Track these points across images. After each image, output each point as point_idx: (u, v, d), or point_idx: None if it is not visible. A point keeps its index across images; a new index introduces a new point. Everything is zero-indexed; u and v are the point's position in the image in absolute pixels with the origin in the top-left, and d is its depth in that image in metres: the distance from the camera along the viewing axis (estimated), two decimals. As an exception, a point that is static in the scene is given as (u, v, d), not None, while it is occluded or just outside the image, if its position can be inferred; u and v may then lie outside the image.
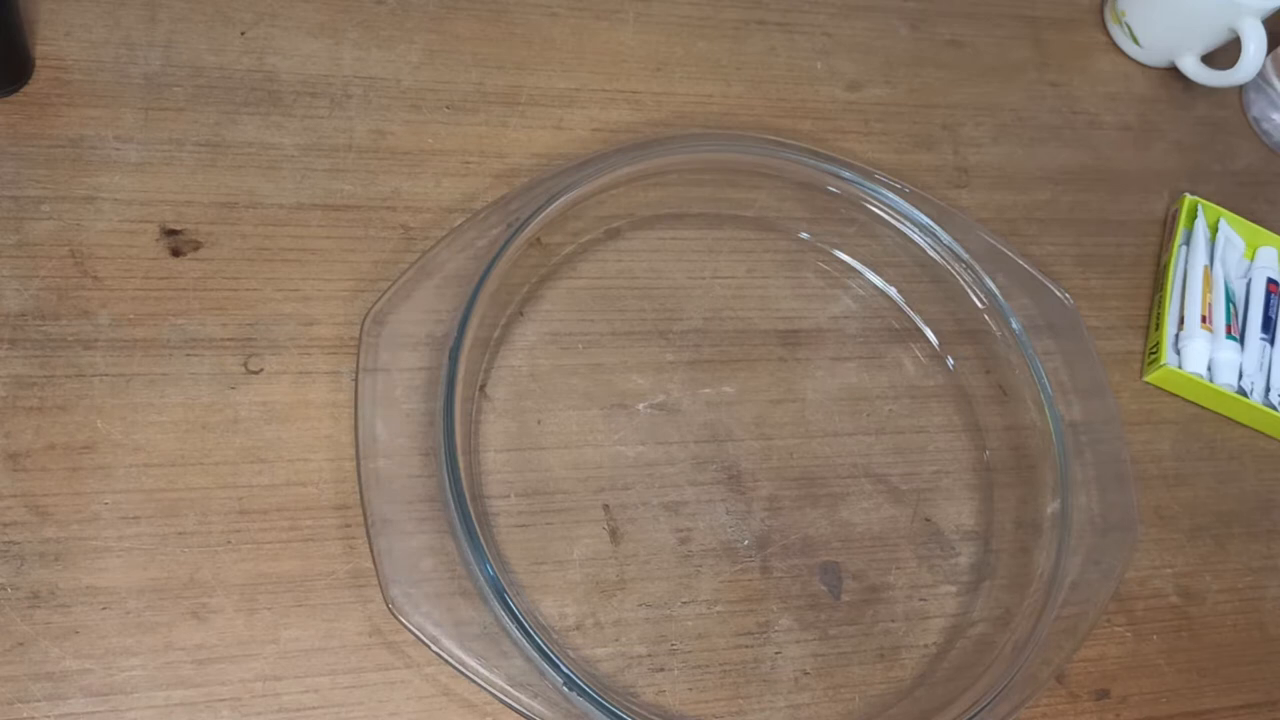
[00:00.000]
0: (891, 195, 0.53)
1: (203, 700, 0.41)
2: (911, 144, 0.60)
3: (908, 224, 0.53)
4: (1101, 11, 0.68)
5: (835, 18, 0.63)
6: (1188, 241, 0.60)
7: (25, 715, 0.39)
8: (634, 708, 0.43)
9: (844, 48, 0.62)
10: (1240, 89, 0.68)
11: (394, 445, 0.45)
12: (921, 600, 0.49)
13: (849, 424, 0.52)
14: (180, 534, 0.43)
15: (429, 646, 0.41)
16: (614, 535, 0.47)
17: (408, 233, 0.51)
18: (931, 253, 0.54)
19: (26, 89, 0.49)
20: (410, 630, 0.41)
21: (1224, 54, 0.64)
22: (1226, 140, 0.67)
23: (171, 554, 0.42)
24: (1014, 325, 0.52)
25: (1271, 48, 0.67)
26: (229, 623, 0.42)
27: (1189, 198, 0.61)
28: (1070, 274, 0.59)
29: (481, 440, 0.47)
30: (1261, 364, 0.57)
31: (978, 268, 0.53)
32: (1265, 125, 0.67)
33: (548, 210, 0.48)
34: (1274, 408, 0.56)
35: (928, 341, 0.54)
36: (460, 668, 0.41)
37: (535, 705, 0.41)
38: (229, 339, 0.47)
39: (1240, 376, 0.57)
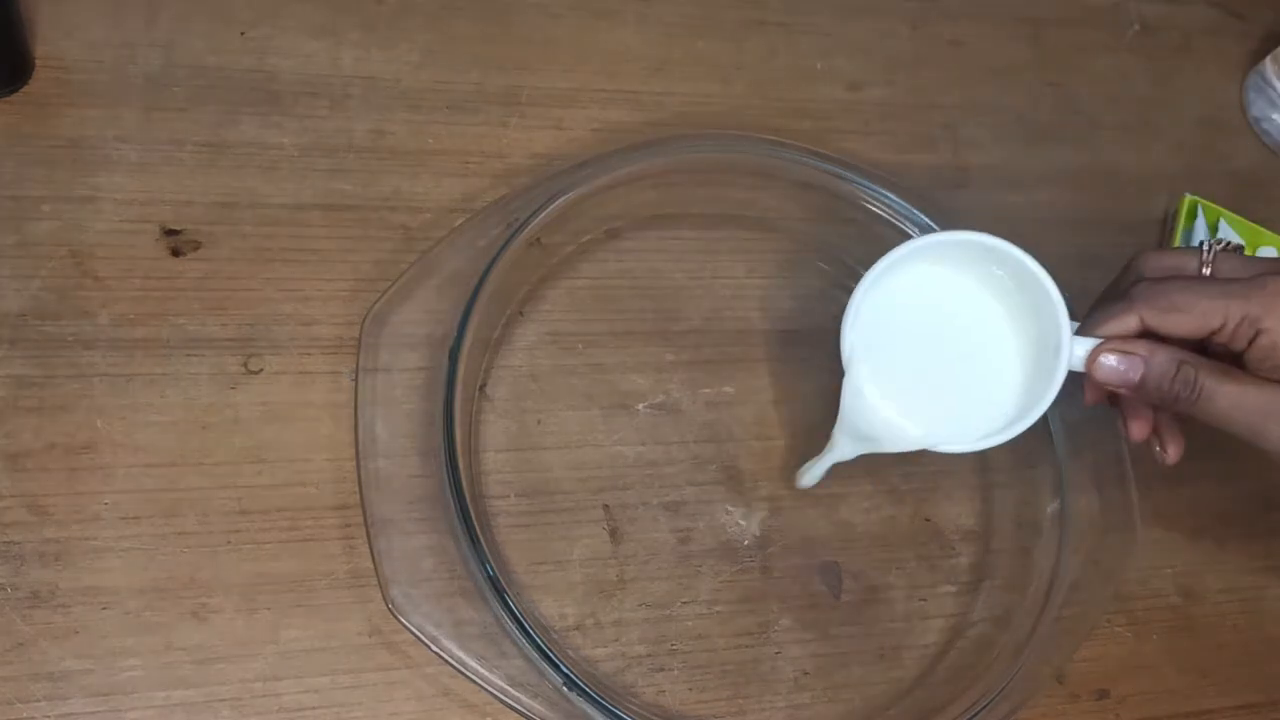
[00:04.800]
0: (891, 195, 0.53)
1: (203, 700, 0.41)
2: (911, 144, 0.60)
3: (908, 224, 0.53)
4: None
5: (835, 18, 0.63)
6: (1187, 241, 0.60)
7: (25, 715, 0.39)
8: (634, 708, 0.43)
9: (844, 48, 0.62)
10: (1240, 88, 0.68)
11: (394, 445, 0.45)
12: (921, 600, 0.49)
13: (849, 424, 0.52)
14: (180, 534, 0.43)
15: (429, 646, 0.41)
16: (614, 535, 0.47)
17: (408, 233, 0.50)
18: (932, 253, 0.54)
19: (26, 89, 0.49)
20: (410, 630, 0.41)
21: None
22: (1226, 140, 0.67)
23: (171, 554, 0.42)
24: (1014, 325, 0.52)
25: (1272, 48, 0.67)
26: (229, 623, 0.42)
27: (1189, 198, 0.61)
28: (1070, 274, 0.59)
29: (481, 440, 0.47)
30: (1261, 364, 0.57)
31: (978, 268, 0.53)
32: (1265, 125, 0.67)
33: (548, 210, 0.48)
34: (1274, 408, 0.56)
35: (928, 341, 0.54)
36: (460, 668, 0.41)
37: (535, 705, 0.41)
38: (229, 339, 0.47)
39: (1240, 376, 0.57)
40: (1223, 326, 0.38)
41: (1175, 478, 0.54)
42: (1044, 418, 0.50)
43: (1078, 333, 0.41)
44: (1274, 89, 0.66)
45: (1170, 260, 0.42)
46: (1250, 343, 0.38)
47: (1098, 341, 0.40)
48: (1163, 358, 0.39)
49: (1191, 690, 0.50)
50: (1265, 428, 0.38)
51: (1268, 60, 0.66)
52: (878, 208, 0.53)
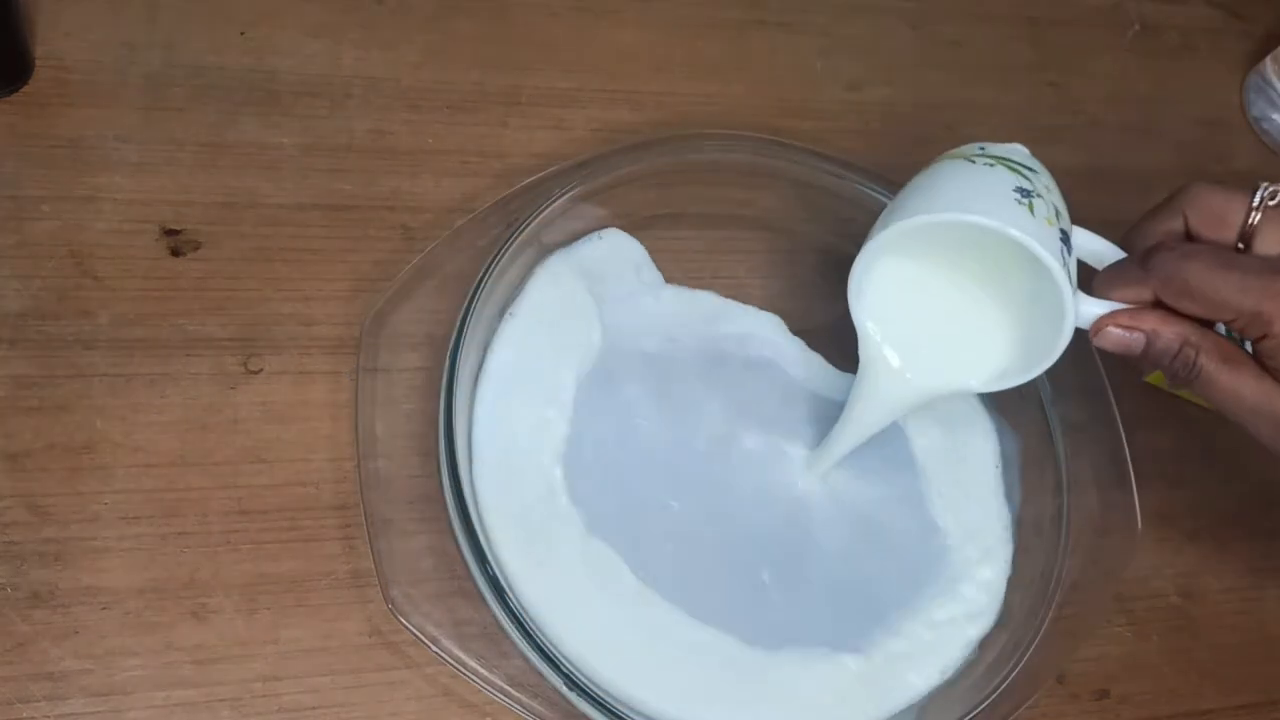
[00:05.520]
0: (892, 195, 0.53)
1: (203, 700, 0.41)
2: (912, 144, 0.60)
3: (908, 224, 0.53)
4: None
5: (835, 18, 0.63)
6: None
7: (25, 715, 0.39)
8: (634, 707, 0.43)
9: (844, 48, 0.62)
10: (1240, 88, 0.68)
11: (394, 445, 0.45)
12: (921, 600, 0.49)
13: (849, 424, 0.52)
14: (180, 534, 0.43)
15: (429, 646, 0.41)
16: (614, 535, 0.47)
17: (408, 233, 0.50)
18: (932, 252, 0.54)
19: (26, 89, 0.49)
20: (410, 630, 0.41)
21: None
22: (1226, 140, 0.67)
23: (171, 554, 0.42)
24: (1014, 325, 0.52)
25: (1272, 48, 0.67)
26: (229, 623, 0.42)
27: (1189, 198, 0.61)
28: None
29: (481, 440, 0.47)
30: (1261, 364, 0.57)
31: (978, 268, 0.53)
32: (1265, 125, 0.67)
33: (548, 210, 0.48)
34: (1274, 408, 0.56)
35: (928, 341, 0.54)
36: (460, 668, 0.41)
37: (535, 705, 0.41)
38: (229, 339, 0.47)
39: (1240, 376, 0.56)
40: (1234, 320, 0.38)
41: (1175, 478, 0.54)
42: (1045, 419, 0.50)
43: (1094, 290, 0.41)
44: (1274, 89, 0.66)
45: (1218, 204, 0.40)
46: (1258, 340, 0.38)
47: (1108, 308, 0.40)
48: (1167, 338, 0.39)
49: (1191, 690, 0.50)
50: (1255, 423, 0.39)
51: (1268, 60, 0.66)
52: (878, 208, 0.53)
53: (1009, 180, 0.40)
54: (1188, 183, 0.42)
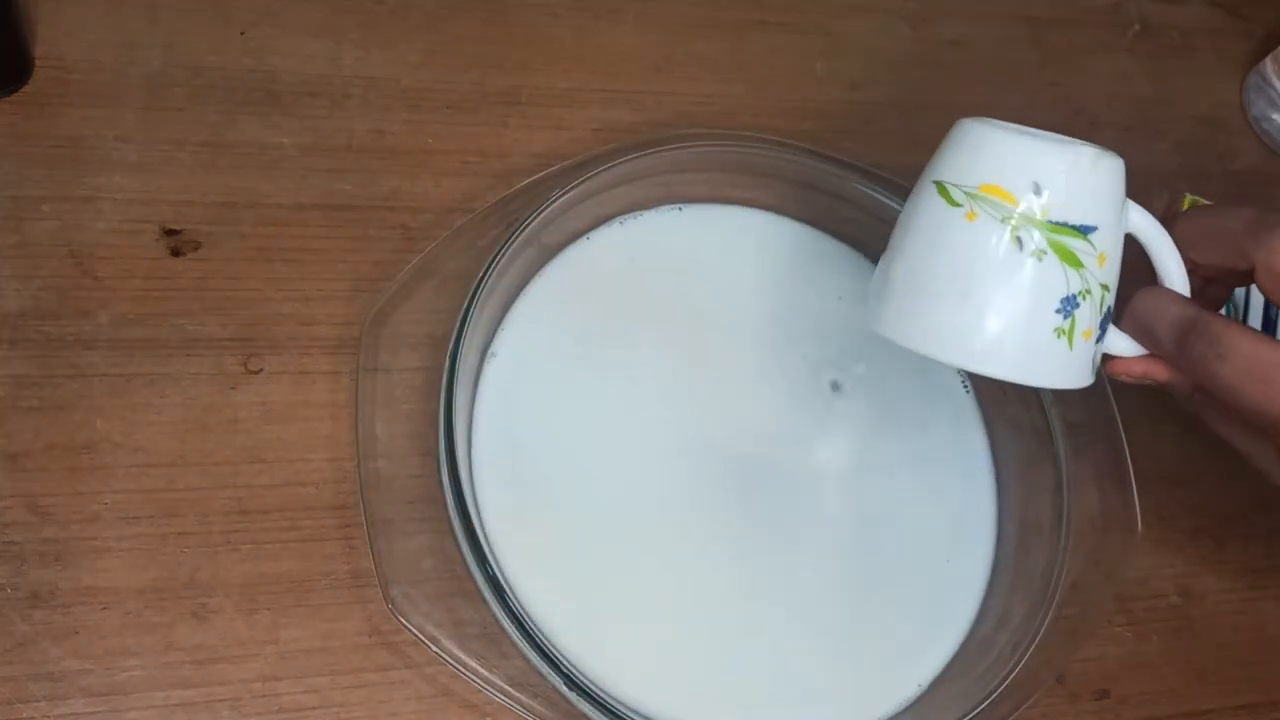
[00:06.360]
0: (892, 195, 0.53)
1: (203, 700, 0.41)
2: (912, 144, 0.60)
3: (908, 224, 0.53)
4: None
5: (835, 18, 0.63)
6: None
7: (25, 715, 0.39)
8: (634, 707, 0.43)
9: (844, 48, 0.62)
10: (1240, 88, 0.68)
11: (394, 445, 0.45)
12: (921, 600, 0.49)
13: (849, 424, 0.52)
14: (180, 534, 0.43)
15: (429, 646, 0.41)
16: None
17: (408, 233, 0.50)
18: (932, 253, 0.53)
19: (26, 89, 0.49)
20: (410, 630, 0.41)
21: None
22: (1226, 140, 0.67)
23: (171, 554, 0.42)
24: (1014, 325, 0.52)
25: (1272, 48, 0.67)
26: (229, 623, 0.42)
27: (1189, 197, 0.61)
28: (1070, 274, 0.59)
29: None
30: (1262, 364, 0.57)
31: (978, 268, 0.53)
32: (1265, 125, 0.67)
33: (548, 210, 0.48)
34: (1274, 408, 0.56)
35: (928, 341, 0.54)
36: (460, 668, 0.41)
37: (535, 705, 0.41)
38: (229, 339, 0.47)
39: (1240, 376, 0.56)
40: (1252, 418, 0.39)
41: (1176, 478, 0.54)
42: (1045, 419, 0.50)
43: (1123, 324, 0.41)
44: (1274, 89, 0.66)
45: None
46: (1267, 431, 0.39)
47: (1131, 350, 0.41)
48: (1178, 387, 0.42)
49: (1191, 690, 0.50)
50: (1244, 458, 0.41)
51: (1268, 60, 0.66)
52: (878, 208, 0.53)
53: (1056, 286, 0.36)
54: (1273, 231, 0.39)
